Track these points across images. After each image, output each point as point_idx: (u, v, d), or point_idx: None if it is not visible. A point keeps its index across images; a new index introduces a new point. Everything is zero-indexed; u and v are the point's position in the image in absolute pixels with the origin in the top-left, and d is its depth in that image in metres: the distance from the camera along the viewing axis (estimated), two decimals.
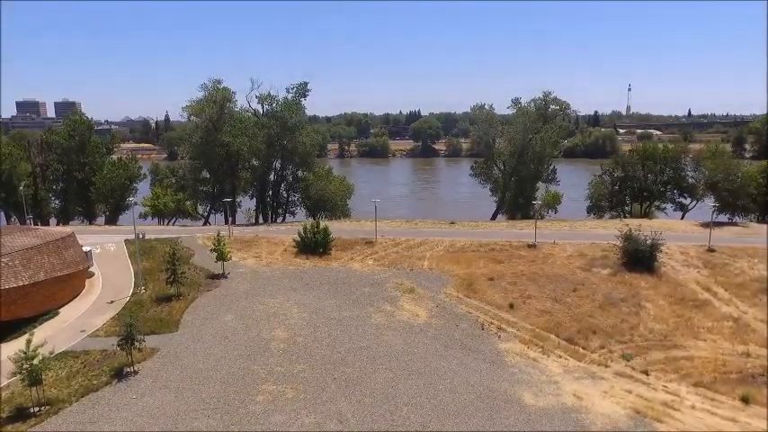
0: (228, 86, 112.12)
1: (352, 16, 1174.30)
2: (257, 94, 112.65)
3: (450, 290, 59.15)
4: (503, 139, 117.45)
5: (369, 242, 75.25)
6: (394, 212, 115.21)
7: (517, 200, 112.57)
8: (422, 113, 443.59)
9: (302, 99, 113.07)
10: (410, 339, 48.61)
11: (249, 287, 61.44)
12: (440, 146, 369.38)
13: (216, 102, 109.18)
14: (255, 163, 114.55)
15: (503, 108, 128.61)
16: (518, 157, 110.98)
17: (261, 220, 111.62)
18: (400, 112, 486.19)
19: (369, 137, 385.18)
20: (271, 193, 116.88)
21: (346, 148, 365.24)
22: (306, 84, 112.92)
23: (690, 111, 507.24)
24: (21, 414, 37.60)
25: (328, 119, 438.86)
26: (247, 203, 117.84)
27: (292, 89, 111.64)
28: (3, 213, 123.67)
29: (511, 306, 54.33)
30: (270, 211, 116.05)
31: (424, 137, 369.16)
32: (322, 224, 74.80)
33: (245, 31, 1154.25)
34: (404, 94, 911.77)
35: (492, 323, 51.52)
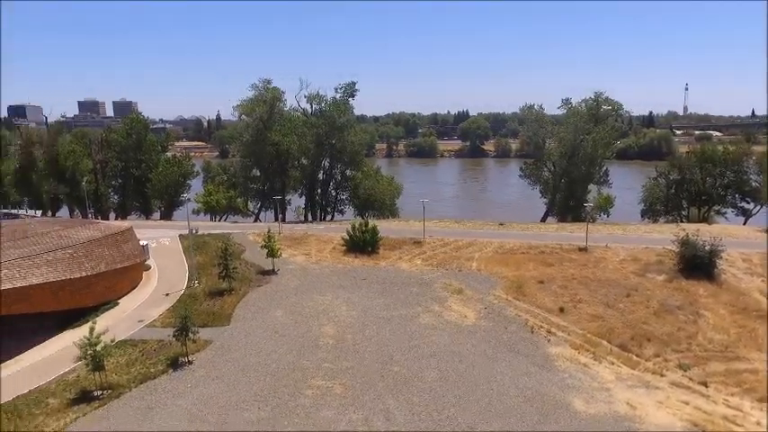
0: (278, 86, 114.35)
1: (403, 14, 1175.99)
2: (306, 94, 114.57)
3: (499, 292, 58.56)
4: (553, 139, 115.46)
5: (417, 242, 75.27)
6: (442, 213, 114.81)
7: (568, 202, 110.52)
8: (470, 113, 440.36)
9: (350, 99, 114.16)
10: (458, 340, 48.39)
11: (299, 284, 62.39)
12: (488, 146, 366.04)
13: (266, 101, 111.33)
14: (305, 162, 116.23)
15: (553, 108, 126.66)
16: (569, 159, 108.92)
17: (310, 218, 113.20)
18: (448, 112, 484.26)
19: (417, 137, 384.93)
20: (320, 191, 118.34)
21: (394, 147, 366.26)
22: (354, 84, 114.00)
23: (753, 111, 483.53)
24: (85, 396, 39.44)
25: (376, 118, 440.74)
26: (297, 201, 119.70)
27: (340, 89, 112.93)
28: (67, 207, 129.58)
29: (561, 310, 53.36)
30: (319, 209, 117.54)
31: (473, 137, 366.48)
32: (370, 223, 75.23)
33: (295, 32, 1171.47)
34: (452, 93, 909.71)
35: (541, 327, 50.72)
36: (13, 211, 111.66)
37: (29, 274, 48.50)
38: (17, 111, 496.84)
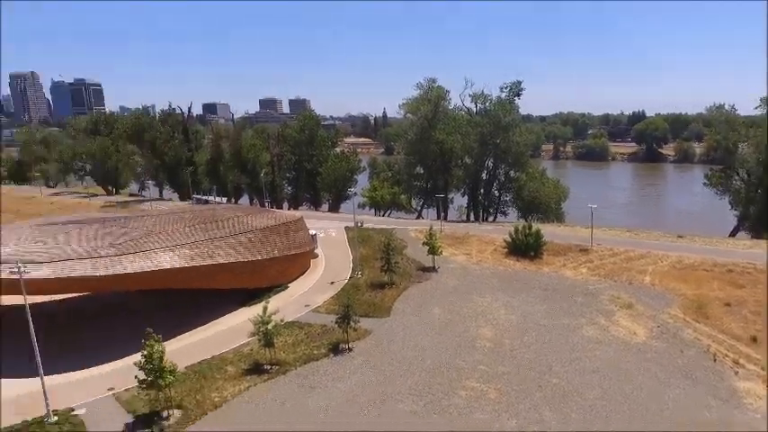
0: (442, 86, 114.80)
1: (581, 13, 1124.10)
2: (470, 93, 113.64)
3: (676, 311, 53.27)
4: (747, 144, 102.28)
5: (583, 249, 71.20)
6: (612, 220, 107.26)
7: (764, 215, 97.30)
8: (646, 114, 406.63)
9: (516, 98, 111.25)
10: (625, 358, 44.84)
11: (458, 283, 62.16)
12: (667, 150, 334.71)
13: (431, 100, 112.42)
14: (468, 161, 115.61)
15: (747, 108, 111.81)
16: (766, 167, 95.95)
17: (472, 218, 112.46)
18: (621, 113, 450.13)
19: (586, 138, 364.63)
20: (482, 191, 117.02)
21: (561, 149, 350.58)
22: (519, 83, 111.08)
23: None
24: (256, 369, 42.96)
25: (543, 118, 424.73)
26: (459, 200, 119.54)
27: (506, 88, 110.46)
28: (247, 196, 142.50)
29: (753, 340, 46.91)
30: (481, 209, 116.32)
31: (649, 140, 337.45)
32: (534, 227, 72.68)
33: (462, 29, 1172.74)
34: (627, 93, 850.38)
35: (727, 355, 45.07)
36: (203, 197, 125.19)
37: (215, 254, 53.75)
38: (209, 108, 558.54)
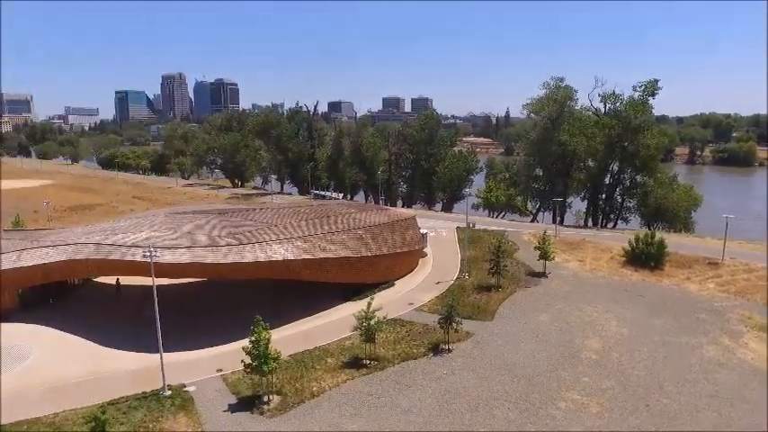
0: (570, 85, 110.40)
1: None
2: (600, 93, 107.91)
3: None
4: None
5: (712, 263, 65.46)
6: (751, 233, 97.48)
7: None
8: None
9: (650, 98, 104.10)
10: (750, 385, 40.81)
11: (568, 290, 59.87)
12: None
13: (557, 100, 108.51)
14: (591, 164, 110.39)
15: None
16: None
17: (590, 224, 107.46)
18: None
19: (729, 141, 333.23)
20: (604, 196, 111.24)
21: (698, 153, 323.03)
22: (656, 81, 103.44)
23: None
24: (355, 362, 44.16)
25: (680, 119, 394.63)
26: (578, 205, 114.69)
27: (640, 87, 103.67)
28: (363, 192, 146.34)
29: None
30: (601, 215, 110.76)
31: None
32: (657, 235, 68.02)
33: (596, 24, 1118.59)
34: None
35: None
36: (321, 193, 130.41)
37: (326, 248, 55.89)
38: (334, 107, 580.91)
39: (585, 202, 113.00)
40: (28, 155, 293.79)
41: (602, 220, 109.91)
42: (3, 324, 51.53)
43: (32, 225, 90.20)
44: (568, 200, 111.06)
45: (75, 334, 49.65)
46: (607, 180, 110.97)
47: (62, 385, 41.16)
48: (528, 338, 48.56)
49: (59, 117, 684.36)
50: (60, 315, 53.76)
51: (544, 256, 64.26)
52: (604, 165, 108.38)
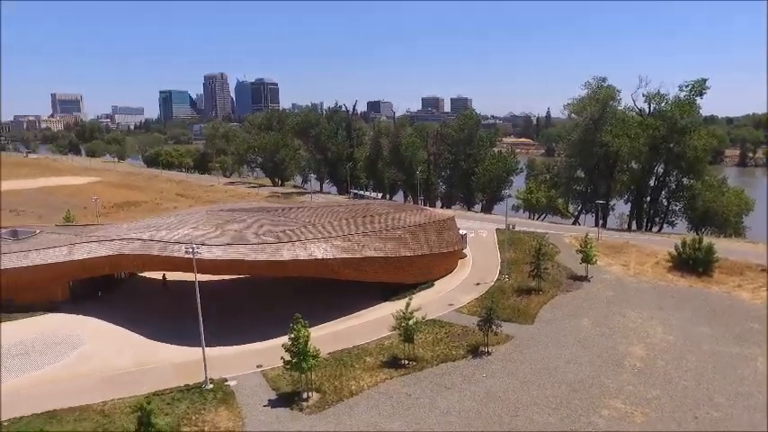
0: (613, 85, 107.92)
1: None
2: (644, 93, 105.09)
3: None
4: None
5: (766, 270, 63.03)
6: None
7: None
8: None
9: (698, 98, 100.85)
10: None
11: (611, 295, 58.56)
12: None
13: (599, 100, 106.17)
14: (635, 166, 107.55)
15: None
16: None
17: (633, 227, 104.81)
18: None
19: None
20: (648, 199, 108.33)
21: (750, 155, 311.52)
22: (704, 81, 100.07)
23: None
24: (394, 362, 44.14)
25: (730, 120, 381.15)
26: (621, 207, 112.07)
27: (686, 86, 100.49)
28: (402, 192, 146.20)
29: None
30: (645, 218, 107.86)
31: None
32: (705, 240, 65.91)
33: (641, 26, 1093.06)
34: None
35: None
36: (360, 192, 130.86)
37: (365, 248, 55.99)
38: (373, 106, 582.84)
39: (629, 204, 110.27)
40: (78, 153, 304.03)
41: (647, 223, 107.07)
42: (55, 314, 53.60)
43: (82, 221, 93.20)
44: (611, 202, 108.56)
45: (121, 326, 51.27)
46: (652, 182, 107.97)
47: (110, 375, 42.55)
48: (569, 343, 47.61)
49: (107, 116, 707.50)
50: (108, 307, 55.52)
51: (586, 259, 62.98)
52: (649, 166, 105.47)
